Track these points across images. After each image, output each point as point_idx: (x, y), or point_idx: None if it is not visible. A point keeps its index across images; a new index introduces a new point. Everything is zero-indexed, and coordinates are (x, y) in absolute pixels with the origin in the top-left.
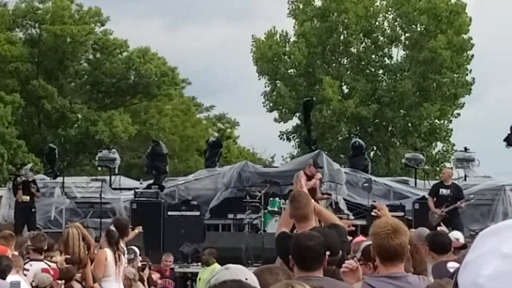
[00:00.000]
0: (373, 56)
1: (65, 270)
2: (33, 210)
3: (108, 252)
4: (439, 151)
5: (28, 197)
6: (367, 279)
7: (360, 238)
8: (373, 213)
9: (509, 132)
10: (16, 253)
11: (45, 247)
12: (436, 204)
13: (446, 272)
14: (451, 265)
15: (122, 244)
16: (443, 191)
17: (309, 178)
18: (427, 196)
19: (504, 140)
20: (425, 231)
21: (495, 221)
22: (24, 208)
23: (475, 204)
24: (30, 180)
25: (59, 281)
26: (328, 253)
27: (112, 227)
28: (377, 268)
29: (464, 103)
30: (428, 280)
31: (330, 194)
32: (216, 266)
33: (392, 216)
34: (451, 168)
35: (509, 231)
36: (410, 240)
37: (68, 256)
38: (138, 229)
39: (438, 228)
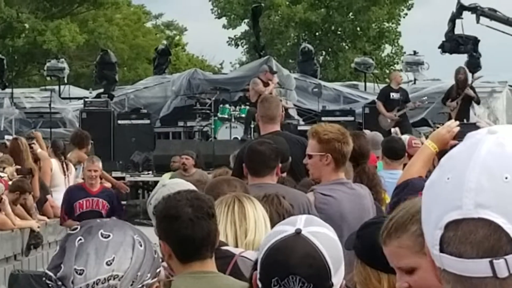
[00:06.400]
0: None
1: (20, 184)
2: None
3: (54, 162)
4: (388, 54)
5: None
6: (317, 189)
7: None
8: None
9: (443, 39)
10: None
11: None
12: (387, 108)
13: None
14: None
15: (80, 154)
16: (394, 95)
17: (265, 84)
18: (376, 100)
19: (439, 48)
20: (378, 135)
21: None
22: None
23: (424, 108)
24: None
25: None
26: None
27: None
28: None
29: (413, 3)
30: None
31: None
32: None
33: (343, 121)
34: (400, 70)
35: None
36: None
37: (19, 167)
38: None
39: (392, 130)
